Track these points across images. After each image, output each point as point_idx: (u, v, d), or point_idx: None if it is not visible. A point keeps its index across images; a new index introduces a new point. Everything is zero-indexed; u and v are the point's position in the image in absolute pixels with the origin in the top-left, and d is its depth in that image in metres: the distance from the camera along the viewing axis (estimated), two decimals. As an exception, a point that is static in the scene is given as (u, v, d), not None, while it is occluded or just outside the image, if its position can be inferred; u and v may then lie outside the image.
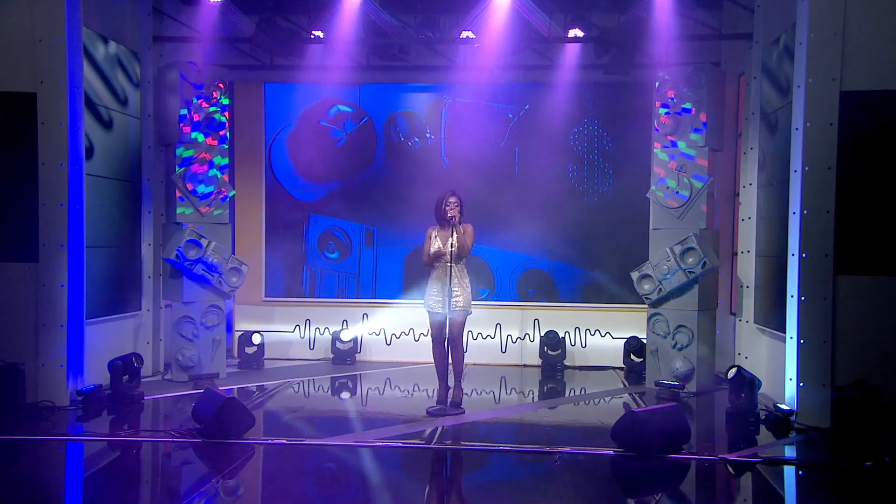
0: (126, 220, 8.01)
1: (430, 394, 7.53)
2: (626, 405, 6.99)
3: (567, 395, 7.88)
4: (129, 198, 8.03)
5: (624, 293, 8.89)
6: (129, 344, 7.97)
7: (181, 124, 7.94)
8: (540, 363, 8.97)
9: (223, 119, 8.20)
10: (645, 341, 8.45)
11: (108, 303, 7.59)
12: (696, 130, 7.68)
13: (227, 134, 8.28)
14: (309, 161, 9.48)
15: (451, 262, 6.51)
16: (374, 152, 9.57)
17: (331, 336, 9.30)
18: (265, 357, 8.96)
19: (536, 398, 7.89)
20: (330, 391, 8.10)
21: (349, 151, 9.56)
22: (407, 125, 9.54)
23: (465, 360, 8.92)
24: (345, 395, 8.00)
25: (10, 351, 6.48)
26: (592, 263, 9.29)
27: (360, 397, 7.84)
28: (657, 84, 7.88)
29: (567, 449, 5.48)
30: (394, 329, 9.40)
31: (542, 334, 9.01)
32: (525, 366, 9.13)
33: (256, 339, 8.94)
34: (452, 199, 6.62)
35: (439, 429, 5.99)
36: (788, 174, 6.84)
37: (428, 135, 9.49)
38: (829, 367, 6.19)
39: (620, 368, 8.82)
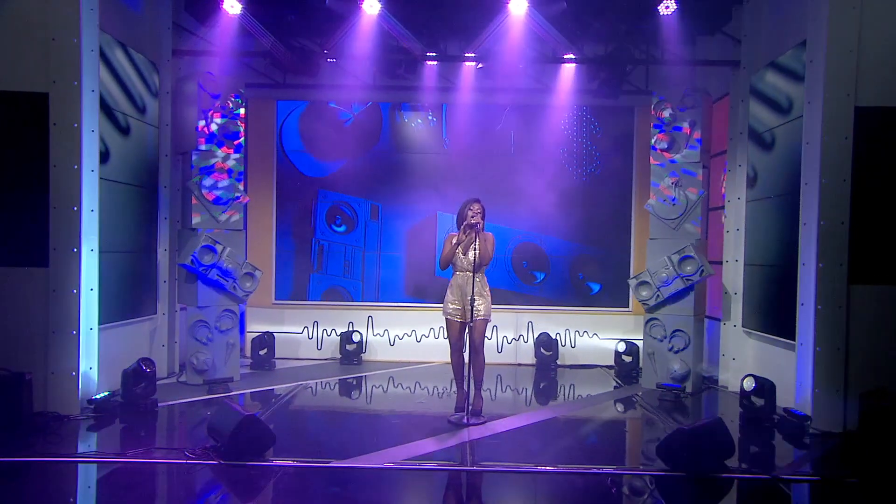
0: (142, 226, 6.42)
1: (439, 393, 6.23)
2: (678, 425, 5.27)
3: (576, 397, 6.54)
4: (145, 204, 6.44)
5: (609, 269, 7.96)
6: (144, 347, 6.39)
7: (199, 134, 6.44)
8: (534, 362, 7.66)
9: (238, 128, 6.70)
10: (637, 343, 7.25)
11: (124, 307, 6.00)
12: (691, 147, 6.50)
13: (243, 142, 6.76)
14: (318, 140, 8.00)
15: (472, 272, 5.18)
16: (379, 132, 8.10)
17: (339, 337, 7.85)
18: (276, 357, 7.46)
19: (548, 401, 6.51)
20: (343, 393, 6.60)
21: (356, 131, 8.08)
22: (410, 108, 8.14)
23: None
24: (359, 397, 6.49)
25: (17, 359, 4.90)
26: (581, 237, 8.01)
27: (374, 401, 6.33)
28: (653, 103, 6.68)
29: (613, 469, 4.13)
30: (397, 331, 7.99)
31: (536, 336, 7.71)
32: (519, 365, 7.80)
33: (267, 339, 7.45)
34: (476, 206, 5.27)
35: (468, 445, 4.56)
36: (788, 188, 5.74)
37: (430, 117, 8.10)
38: (842, 373, 5.05)
39: (610, 367, 7.57)
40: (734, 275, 6.65)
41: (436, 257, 8.01)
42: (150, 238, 6.54)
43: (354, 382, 6.86)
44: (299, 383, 6.52)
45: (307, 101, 8.07)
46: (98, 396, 5.15)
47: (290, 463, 4.07)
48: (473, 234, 5.17)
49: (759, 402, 5.21)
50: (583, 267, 8.06)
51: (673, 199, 6.42)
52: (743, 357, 6.54)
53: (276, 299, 8.14)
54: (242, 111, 6.74)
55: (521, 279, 8.07)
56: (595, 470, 4.06)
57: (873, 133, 5.01)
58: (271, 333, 7.53)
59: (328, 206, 8.13)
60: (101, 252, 5.39)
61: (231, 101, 6.62)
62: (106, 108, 5.64)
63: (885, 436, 4.56)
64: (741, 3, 6.61)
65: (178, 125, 6.72)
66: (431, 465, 4.16)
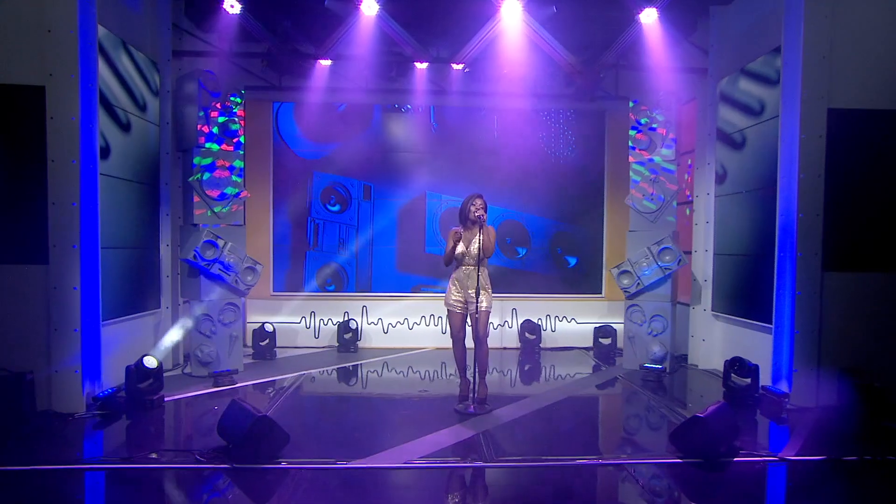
0: (145, 222, 5.66)
1: (434, 377, 5.72)
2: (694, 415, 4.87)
3: (567, 379, 6.04)
4: (147, 200, 5.68)
5: (584, 244, 7.56)
6: (149, 340, 5.67)
7: (199, 132, 5.72)
8: (518, 346, 7.22)
9: (238, 126, 5.98)
10: (613, 327, 6.90)
11: (128, 302, 5.27)
12: (667, 146, 6.12)
13: (242, 139, 6.04)
14: (312, 124, 7.26)
15: (476, 265, 4.67)
16: (371, 117, 7.46)
17: (335, 326, 7.23)
18: (276, 346, 6.80)
19: (545, 384, 5.96)
20: (345, 381, 5.96)
21: (349, 116, 7.41)
22: (401, 107, 7.50)
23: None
24: (361, 385, 5.86)
25: (17, 358, 4.20)
26: (559, 215, 7.55)
27: (377, 388, 5.71)
28: (631, 106, 6.27)
29: (633, 461, 3.64)
30: (390, 319, 7.41)
31: (521, 321, 7.25)
32: (505, 348, 7.32)
33: (269, 327, 6.78)
34: (479, 202, 4.74)
35: (481, 436, 4.00)
36: (759, 184, 5.42)
37: (420, 110, 7.49)
38: (817, 354, 4.75)
39: (587, 349, 7.20)
40: (703, 263, 6.32)
41: (425, 234, 7.51)
42: (152, 234, 5.79)
43: (354, 370, 6.25)
44: (302, 373, 5.89)
45: (299, 103, 7.36)
46: (103, 393, 4.44)
47: (306, 465, 3.45)
48: (476, 229, 4.65)
49: (742, 381, 4.86)
50: (561, 242, 7.63)
51: (660, 198, 6.01)
52: (711, 338, 6.23)
53: (274, 290, 7.46)
54: (241, 110, 6.01)
55: (504, 254, 7.59)
56: (615, 461, 3.60)
57: (843, 132, 4.70)
58: (271, 324, 6.84)
59: (323, 186, 7.46)
60: (103, 248, 4.66)
61: (230, 100, 5.90)
62: (106, 104, 4.89)
63: (857, 409, 4.31)
64: (707, 18, 6.25)
65: (178, 123, 5.97)
66: (453, 461, 3.63)
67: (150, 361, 4.58)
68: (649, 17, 5.65)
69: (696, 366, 6.30)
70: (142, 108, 5.50)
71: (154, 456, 3.60)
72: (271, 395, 5.05)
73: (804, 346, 4.72)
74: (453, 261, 4.78)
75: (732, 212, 5.86)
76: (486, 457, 3.62)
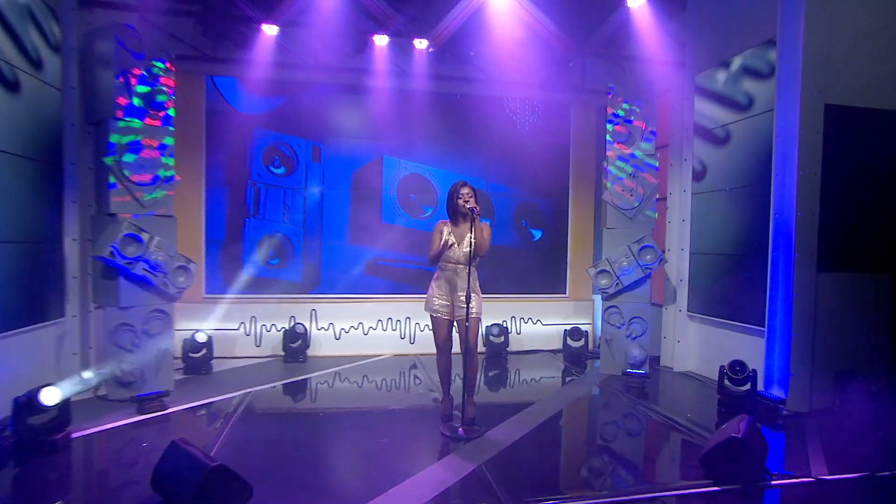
0: (43, 210, 4.35)
1: (402, 386, 4.91)
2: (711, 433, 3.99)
3: (547, 389, 5.46)
4: (46, 183, 4.38)
5: (549, 217, 7.01)
6: (50, 357, 4.40)
7: (117, 105, 4.53)
8: (484, 350, 6.54)
9: (166, 97, 4.81)
10: (582, 328, 6.41)
11: (20, 310, 3.97)
12: (647, 140, 5.67)
13: (172, 112, 4.87)
14: (254, 73, 5.92)
15: (468, 264, 3.92)
16: (321, 69, 6.22)
17: (280, 332, 6.20)
18: (212, 357, 5.68)
19: (526, 396, 5.30)
20: (299, 399, 4.96)
21: (296, 66, 6.14)
22: (359, 75, 6.35)
23: (415, 352, 6.45)
24: (320, 404, 4.90)
25: None
26: (525, 186, 6.94)
27: (341, 406, 4.73)
28: (609, 96, 5.75)
29: (669, 493, 3.04)
30: (343, 324, 6.48)
31: (488, 324, 6.57)
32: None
33: (201, 337, 5.65)
34: (466, 190, 4.00)
35: (485, 469, 3.25)
36: (744, 181, 5.09)
37: (379, 84, 6.40)
38: (811, 357, 4.45)
39: (555, 351, 6.67)
40: (678, 263, 5.95)
41: (382, 202, 6.61)
42: (53, 225, 4.51)
43: (307, 384, 5.29)
44: (247, 390, 4.86)
45: (239, 81, 6.25)
46: (-19, 435, 3.26)
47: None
48: (469, 223, 3.90)
49: (737, 388, 4.46)
50: (526, 214, 7.04)
51: (640, 197, 5.53)
52: (686, 340, 5.89)
53: (206, 293, 6.30)
54: (169, 78, 4.84)
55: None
56: (647, 495, 2.99)
57: (839, 129, 4.42)
58: (206, 333, 5.71)
59: (265, 146, 6.35)
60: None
61: (155, 66, 4.73)
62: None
63: (857, 414, 4.04)
64: (684, 10, 5.87)
65: (88, 89, 4.73)
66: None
67: (49, 396, 3.41)
68: (635, 2, 5.16)
69: (671, 368, 5.92)
70: (35, 64, 4.23)
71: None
72: (217, 424, 4.01)
73: (800, 349, 4.40)
74: (439, 259, 4.01)
75: (713, 210, 5.51)
76: (503, 500, 2.89)
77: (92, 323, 4.93)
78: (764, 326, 4.65)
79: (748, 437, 3.07)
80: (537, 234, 7.09)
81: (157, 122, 4.77)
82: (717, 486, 3.05)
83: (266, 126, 6.38)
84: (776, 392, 4.48)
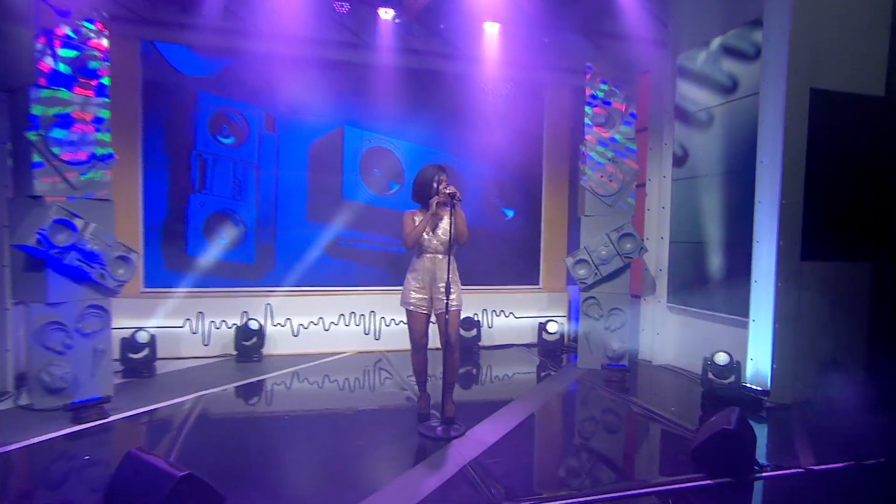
0: (-47, 192, 4.09)
1: (369, 385, 4.89)
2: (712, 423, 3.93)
3: (526, 384, 5.53)
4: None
5: (522, 195, 7.08)
6: (-40, 363, 4.13)
7: (39, 71, 4.25)
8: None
9: (99, 64, 4.53)
10: (559, 321, 6.55)
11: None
12: (627, 123, 5.79)
13: (106, 81, 4.58)
14: (197, 39, 5.74)
15: (447, 253, 3.94)
16: (276, 38, 6.00)
17: (231, 329, 6.04)
18: (156, 359, 5.47)
19: (504, 392, 5.31)
20: (259, 402, 4.80)
21: (246, 34, 5.93)
22: (316, 47, 6.23)
23: (381, 349, 6.42)
24: (284, 407, 4.76)
25: None
26: (496, 162, 6.98)
27: (306, 407, 4.57)
28: (587, 77, 5.85)
29: (663, 488, 3.14)
30: (301, 319, 6.36)
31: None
32: (438, 348, 6.62)
33: (143, 336, 5.43)
34: (444, 176, 4.00)
35: (470, 469, 3.28)
36: (727, 167, 5.30)
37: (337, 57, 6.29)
38: (794, 348, 4.71)
39: (529, 346, 6.79)
40: (658, 252, 6.15)
41: (343, 176, 6.49)
42: (-35, 209, 4.21)
43: (265, 385, 5.17)
44: (198, 394, 4.70)
45: (179, 44, 5.98)
46: None
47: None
48: (448, 210, 3.90)
49: (721, 380, 4.68)
50: (497, 191, 7.10)
51: (620, 182, 5.65)
52: (666, 332, 6.11)
53: (145, 286, 6.05)
54: (105, 41, 4.57)
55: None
56: (641, 490, 3.10)
57: (824, 115, 4.66)
58: (148, 332, 5.49)
59: (212, 112, 6.12)
60: None
61: (83, 27, 4.46)
62: None
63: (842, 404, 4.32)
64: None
65: (1, 49, 4.41)
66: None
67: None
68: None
69: (650, 361, 6.14)
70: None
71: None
72: (169, 432, 3.86)
73: (783, 340, 4.65)
74: (418, 242, 4.00)
75: (694, 197, 5.72)
76: (494, 500, 2.93)
77: (9, 322, 4.65)
78: (746, 317, 4.88)
79: (739, 429, 3.22)
80: (509, 214, 7.17)
81: (90, 93, 4.50)
82: (710, 480, 3.19)
83: (212, 90, 6.12)
84: (759, 384, 4.72)
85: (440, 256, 3.96)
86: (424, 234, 3.96)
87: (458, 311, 4.00)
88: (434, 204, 3.91)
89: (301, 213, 6.47)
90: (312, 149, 6.46)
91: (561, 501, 2.93)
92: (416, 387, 4.29)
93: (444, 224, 3.95)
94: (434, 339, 4.10)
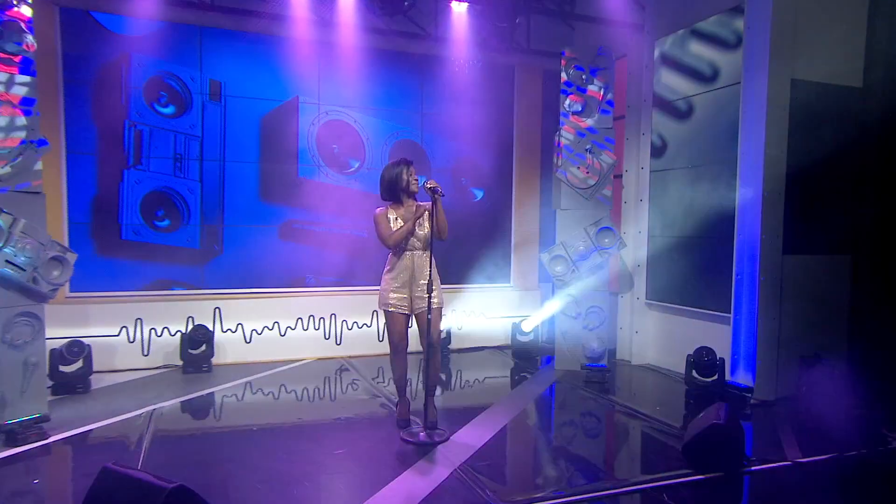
0: None
1: (336, 394, 5.03)
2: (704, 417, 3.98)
3: (504, 388, 5.77)
4: None
5: (492, 177, 7.38)
6: None
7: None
8: (422, 349, 6.74)
9: (23, 38, 4.42)
10: (533, 318, 6.84)
11: None
12: (604, 112, 6.13)
13: (32, 56, 4.49)
14: (126, 8, 5.67)
15: (428, 249, 4.14)
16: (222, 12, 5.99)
17: (175, 337, 6.02)
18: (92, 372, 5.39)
19: (484, 396, 5.50)
20: (217, 416, 4.82)
21: (188, 5, 5.93)
22: (266, 22, 6.21)
23: (343, 354, 6.55)
24: (244, 419, 4.82)
25: None
26: (464, 140, 7.18)
27: (275, 419, 4.54)
28: (563, 62, 6.14)
29: (655, 484, 3.43)
30: (255, 324, 6.39)
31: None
32: (408, 353, 6.81)
33: (74, 348, 5.35)
34: (413, 169, 4.23)
35: (461, 472, 3.49)
36: (706, 158, 5.71)
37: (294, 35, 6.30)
38: (777, 344, 5.15)
39: (503, 348, 7.06)
40: (635, 247, 6.53)
41: (298, 152, 6.52)
42: None
43: (217, 397, 5.18)
44: (145, 409, 4.68)
45: (105, 12, 5.86)
46: None
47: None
48: (430, 203, 4.08)
49: (705, 378, 5.08)
50: (466, 171, 7.32)
51: (598, 173, 5.98)
52: (645, 330, 6.50)
53: (71, 291, 5.92)
54: (28, 10, 4.47)
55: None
56: (634, 487, 3.39)
57: (805, 105, 5.11)
58: (82, 342, 5.41)
59: (148, 76, 6.01)
60: None
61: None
62: None
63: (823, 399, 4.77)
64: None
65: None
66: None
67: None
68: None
69: (629, 361, 6.51)
70: None
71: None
72: (128, 448, 3.87)
73: (767, 336, 5.07)
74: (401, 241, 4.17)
75: (673, 189, 6.11)
76: (491, 502, 3.14)
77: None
78: (728, 312, 5.29)
79: (729, 424, 3.57)
80: (479, 194, 7.40)
81: (14, 70, 4.42)
82: (700, 475, 3.52)
83: (148, 52, 5.97)
84: (742, 380, 5.15)
85: (419, 253, 4.15)
86: (408, 229, 4.13)
87: (440, 310, 4.20)
88: (416, 207, 4.12)
89: (252, 192, 6.42)
90: (264, 121, 6.42)
91: (561, 501, 3.18)
92: (396, 392, 4.45)
93: (432, 214, 4.13)
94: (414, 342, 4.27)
